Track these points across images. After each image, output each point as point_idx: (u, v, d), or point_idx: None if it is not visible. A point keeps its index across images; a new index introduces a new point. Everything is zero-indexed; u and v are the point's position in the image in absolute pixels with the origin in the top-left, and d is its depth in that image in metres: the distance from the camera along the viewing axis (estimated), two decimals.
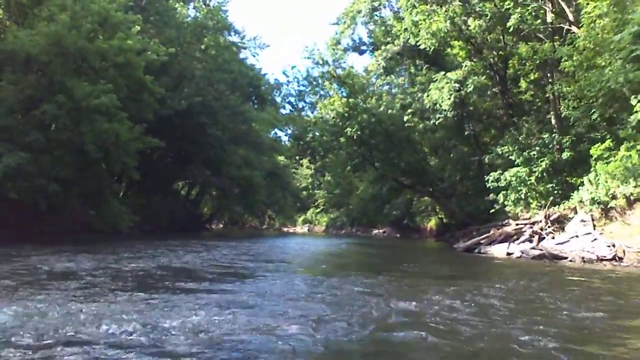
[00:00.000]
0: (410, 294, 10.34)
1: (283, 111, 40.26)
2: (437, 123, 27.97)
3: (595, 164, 21.20)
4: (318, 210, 79.84)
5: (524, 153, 25.33)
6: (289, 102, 41.12)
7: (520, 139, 26.02)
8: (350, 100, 29.57)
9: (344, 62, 30.29)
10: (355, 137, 29.34)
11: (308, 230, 76.46)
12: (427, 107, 28.07)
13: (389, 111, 29.94)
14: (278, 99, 40.15)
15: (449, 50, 30.95)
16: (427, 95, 27.28)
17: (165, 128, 36.73)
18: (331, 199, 75.95)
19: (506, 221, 26.48)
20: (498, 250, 23.65)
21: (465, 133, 29.16)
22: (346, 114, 29.64)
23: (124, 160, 23.11)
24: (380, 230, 62.83)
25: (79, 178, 21.84)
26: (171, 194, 55.01)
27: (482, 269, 17.48)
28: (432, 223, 53.74)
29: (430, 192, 33.33)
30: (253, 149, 46.00)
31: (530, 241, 23.54)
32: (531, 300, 9.75)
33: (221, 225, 79.08)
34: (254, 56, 50.16)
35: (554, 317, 7.85)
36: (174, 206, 48.23)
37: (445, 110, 27.06)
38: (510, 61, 30.43)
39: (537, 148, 25.10)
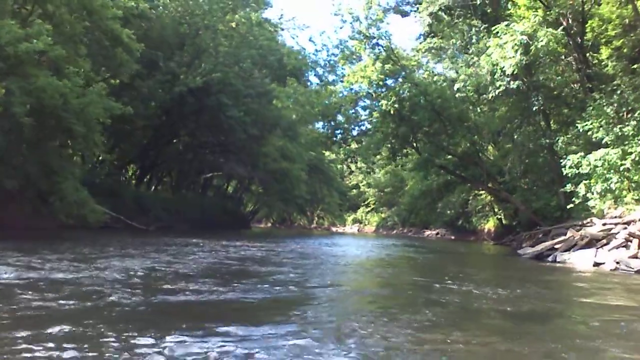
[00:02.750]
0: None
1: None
2: (497, 94, 20.77)
3: None
4: (368, 209, 72.70)
5: (615, 129, 17.97)
6: (317, 75, 34.61)
7: (609, 111, 18.60)
8: (387, 66, 22.52)
9: (382, 22, 23.01)
10: (392, 112, 22.39)
11: (358, 230, 69.51)
12: (484, 74, 20.97)
13: (436, 81, 22.99)
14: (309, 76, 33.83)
15: (511, 10, 23.67)
16: (486, 57, 20.11)
17: (177, 109, 30.78)
18: (381, 197, 68.87)
19: (588, 220, 19.11)
20: (581, 259, 16.38)
21: (534, 108, 21.67)
22: (381, 83, 22.65)
23: (75, 129, 16.58)
24: (433, 232, 55.75)
25: (15, 156, 15.74)
26: (207, 189, 49.72)
27: (572, 292, 10.48)
28: (490, 224, 46.68)
29: (487, 186, 25.79)
30: (290, 140, 39.91)
31: (626, 247, 16.21)
32: None
33: (269, 224, 73.28)
34: (293, 38, 43.38)
35: None
36: (208, 202, 42.59)
37: (507, 77, 19.92)
38: (589, 23, 22.94)
39: (634, 122, 17.71)
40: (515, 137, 22.99)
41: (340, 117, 22.58)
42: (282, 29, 39.71)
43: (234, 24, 33.13)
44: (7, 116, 14.55)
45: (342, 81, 24.56)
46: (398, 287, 9.80)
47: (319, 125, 23.96)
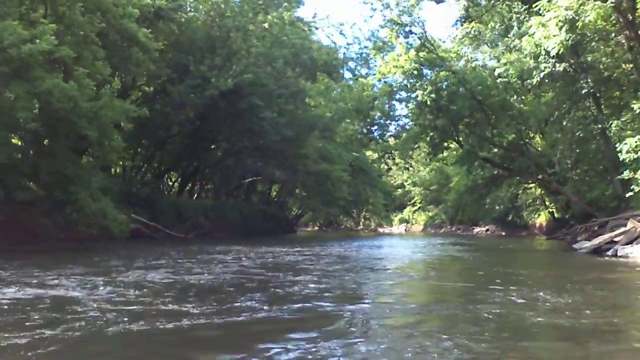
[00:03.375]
0: None
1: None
2: (541, 78, 18.97)
3: None
4: (415, 208, 70.66)
5: None
6: (349, 69, 32.95)
7: None
8: (421, 54, 20.72)
9: (415, 8, 21.05)
10: (429, 102, 20.59)
11: (405, 230, 67.60)
12: (526, 58, 19.21)
13: (475, 68, 21.20)
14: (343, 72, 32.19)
15: None
16: (528, 37, 18.33)
17: (211, 114, 29.81)
18: (427, 195, 66.86)
19: None
20: None
21: (583, 92, 19.77)
22: (416, 73, 20.86)
23: (88, 135, 15.40)
24: (483, 228, 53.65)
25: (26, 165, 14.73)
26: (250, 194, 48.84)
27: None
28: (541, 218, 44.59)
29: (537, 178, 23.85)
30: (328, 140, 38.65)
31: None
32: None
33: (316, 227, 72.07)
34: (328, 37, 41.91)
35: None
36: (250, 208, 41.64)
37: (552, 58, 18.15)
38: None
39: None
40: (564, 123, 21.08)
41: (375, 112, 21.00)
42: (317, 28, 38.50)
43: (266, 25, 32.07)
44: (14, 123, 13.63)
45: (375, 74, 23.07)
46: (445, 297, 8.34)
47: (354, 122, 22.07)
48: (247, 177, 42.36)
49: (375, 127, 21.83)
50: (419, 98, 20.11)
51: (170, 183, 40.61)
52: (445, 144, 23.06)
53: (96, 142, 15.73)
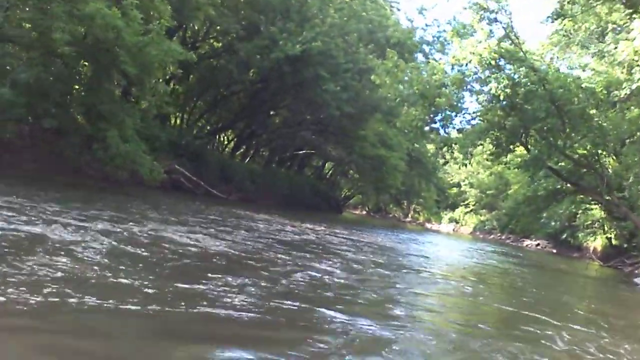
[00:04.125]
0: None
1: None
2: (632, 89, 16.84)
3: None
4: (467, 210, 68.05)
5: None
6: (422, 52, 30.76)
7: None
8: (504, 45, 18.61)
9: None
10: (502, 97, 18.52)
11: (453, 230, 65.21)
12: (620, 65, 17.12)
13: (558, 69, 19.07)
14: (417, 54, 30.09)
15: None
16: (627, 42, 16.18)
17: (275, 78, 28.55)
18: (482, 199, 64.20)
19: None
20: None
21: None
22: (493, 63, 18.77)
23: (127, 70, 14.12)
24: (534, 242, 51.10)
25: (57, 93, 13.52)
26: (303, 168, 47.75)
27: None
28: (597, 242, 41.89)
29: (606, 198, 21.60)
30: (391, 126, 36.96)
31: None
32: None
33: (364, 212, 70.51)
34: (409, 20, 39.61)
35: None
36: (299, 180, 40.49)
37: None
38: None
39: None
40: None
41: (441, 100, 19.12)
42: (398, 10, 36.69)
43: None
44: (51, 45, 12.52)
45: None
46: (480, 323, 6.75)
47: (417, 107, 20.27)
48: (302, 150, 41.20)
49: (439, 116, 19.93)
50: (492, 91, 18.10)
51: (225, 142, 39.76)
52: (511, 147, 21.02)
53: (137, 80, 14.55)
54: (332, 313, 5.20)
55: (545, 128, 19.25)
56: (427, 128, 22.32)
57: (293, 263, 8.04)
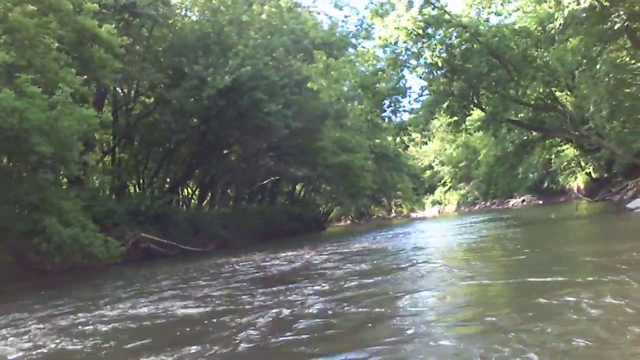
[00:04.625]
0: None
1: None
2: (566, 18, 15.99)
3: None
4: (445, 188, 67.23)
5: None
6: (350, 44, 29.80)
7: None
8: (425, 11, 17.43)
9: None
10: (440, 63, 17.41)
11: (438, 212, 64.31)
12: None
13: (488, 19, 18.10)
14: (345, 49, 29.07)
15: None
16: None
17: (214, 117, 27.41)
18: (457, 173, 63.50)
19: None
20: None
21: (616, 27, 16.75)
22: (421, 32, 17.54)
23: (40, 151, 12.56)
24: (518, 199, 50.57)
25: None
26: (275, 196, 46.51)
27: None
28: (578, 181, 41.49)
29: (574, 134, 20.65)
30: (345, 129, 36.04)
31: None
32: None
33: (348, 221, 69.38)
34: (325, 15, 38.44)
35: None
36: (270, 210, 39.25)
37: None
38: None
39: None
40: (598, 66, 17.98)
41: (382, 86, 18.05)
42: (318, 13, 35.78)
43: (264, 15, 29.48)
44: None
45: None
46: (490, 303, 5.63)
47: (362, 101, 19.23)
48: (267, 179, 39.99)
49: (386, 103, 18.85)
50: (429, 60, 17.07)
51: (190, 195, 38.39)
52: (466, 112, 19.96)
53: (54, 157, 13.16)
54: None
55: (493, 83, 18.28)
56: (378, 120, 21.18)
57: (266, 305, 6.84)
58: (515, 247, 10.90)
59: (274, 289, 8.07)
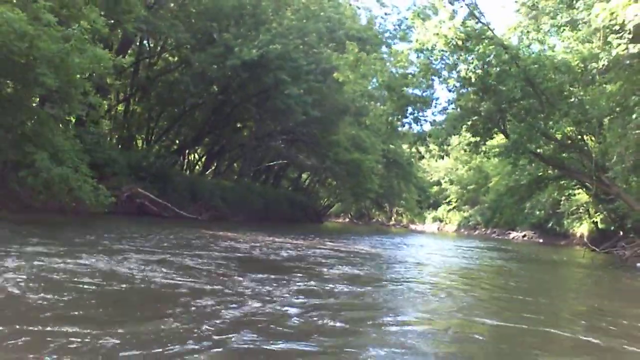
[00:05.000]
0: None
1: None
2: (611, 59, 15.16)
3: None
4: (449, 207, 66.29)
5: None
6: (385, 43, 28.83)
7: None
8: (468, 23, 16.70)
9: None
10: (473, 79, 16.62)
11: (438, 229, 63.45)
12: (593, 35, 15.51)
13: (530, 45, 17.21)
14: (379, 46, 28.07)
15: None
16: (601, 4, 14.44)
17: (236, 89, 26.79)
18: (464, 195, 62.53)
19: None
20: None
21: None
22: (461, 43, 16.94)
23: (46, 82, 11.83)
24: (520, 234, 49.59)
25: None
26: (279, 180, 45.90)
27: None
28: (582, 228, 40.53)
29: (593, 180, 19.72)
30: (363, 127, 35.35)
31: None
32: None
33: (347, 219, 68.73)
34: (368, 11, 37.41)
35: None
36: (274, 193, 38.59)
37: (629, 34, 14.35)
38: None
39: None
40: (634, 117, 17.12)
41: (410, 90, 17.26)
42: (359, 8, 34.95)
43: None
44: None
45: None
46: (476, 348, 4.95)
47: (386, 102, 18.48)
48: (275, 161, 39.38)
49: (409, 110, 18.05)
50: (463, 74, 16.27)
51: (195, 160, 37.85)
52: (489, 135, 19.15)
53: (58, 92, 12.44)
54: None
55: (522, 111, 17.49)
56: (399, 125, 20.45)
57: (243, 292, 6.18)
58: (517, 285, 10.16)
59: (259, 276, 7.41)
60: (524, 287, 9.85)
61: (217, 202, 28.16)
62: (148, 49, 28.68)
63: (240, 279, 7.06)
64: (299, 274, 8.13)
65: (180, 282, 6.35)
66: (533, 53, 16.52)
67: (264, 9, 25.94)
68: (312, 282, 7.39)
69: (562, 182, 30.18)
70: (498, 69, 16.16)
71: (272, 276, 7.47)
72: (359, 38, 26.33)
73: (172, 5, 26.19)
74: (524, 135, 17.24)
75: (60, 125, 14.28)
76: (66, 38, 12.12)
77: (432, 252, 17.71)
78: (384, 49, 28.20)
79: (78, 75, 12.58)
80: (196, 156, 37.95)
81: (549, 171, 26.55)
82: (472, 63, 16.11)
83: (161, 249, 9.79)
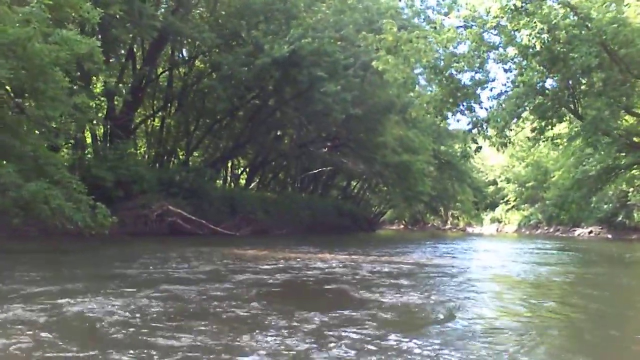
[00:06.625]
0: None
1: None
2: None
3: None
4: (508, 207, 61.82)
5: None
6: (427, 19, 25.33)
7: None
8: None
9: None
10: (538, 46, 13.18)
11: (496, 230, 59.24)
12: None
13: (605, 2, 13.68)
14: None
15: None
16: None
17: (267, 89, 24.28)
18: (522, 193, 58.19)
19: None
20: None
21: None
22: (519, 9, 13.29)
23: (7, 76, 9.03)
24: (586, 230, 45.31)
25: None
26: (327, 189, 43.21)
27: None
28: None
29: None
30: (410, 127, 32.36)
31: None
32: None
33: (401, 226, 65.33)
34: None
35: None
36: (320, 202, 35.85)
37: None
38: None
39: None
40: None
41: (459, 67, 14.17)
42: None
43: None
44: None
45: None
46: None
47: (431, 84, 15.58)
48: (321, 169, 36.66)
49: (460, 94, 14.90)
50: (524, 41, 13.00)
51: (239, 173, 35.50)
52: (557, 117, 15.71)
53: (28, 89, 9.90)
54: None
55: (600, 83, 14.04)
56: (448, 114, 17.34)
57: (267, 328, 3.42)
58: (601, 296, 7.09)
59: (287, 308, 4.76)
60: (608, 300, 6.76)
61: (258, 216, 25.60)
62: (179, 59, 26.37)
63: (266, 308, 4.28)
64: (344, 305, 5.27)
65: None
66: (609, 11, 13.08)
67: (295, 3, 23.26)
68: (358, 326, 4.54)
69: (635, 171, 26.49)
70: (568, 32, 12.82)
71: (309, 311, 4.77)
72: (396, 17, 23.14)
73: (201, 9, 24.12)
74: (605, 110, 13.82)
75: (41, 131, 11.69)
76: (27, 20, 9.61)
77: (494, 260, 14.46)
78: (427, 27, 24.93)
79: (57, 68, 10.02)
80: (240, 169, 35.62)
81: (623, 160, 23.02)
82: (536, 26, 12.85)
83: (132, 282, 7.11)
